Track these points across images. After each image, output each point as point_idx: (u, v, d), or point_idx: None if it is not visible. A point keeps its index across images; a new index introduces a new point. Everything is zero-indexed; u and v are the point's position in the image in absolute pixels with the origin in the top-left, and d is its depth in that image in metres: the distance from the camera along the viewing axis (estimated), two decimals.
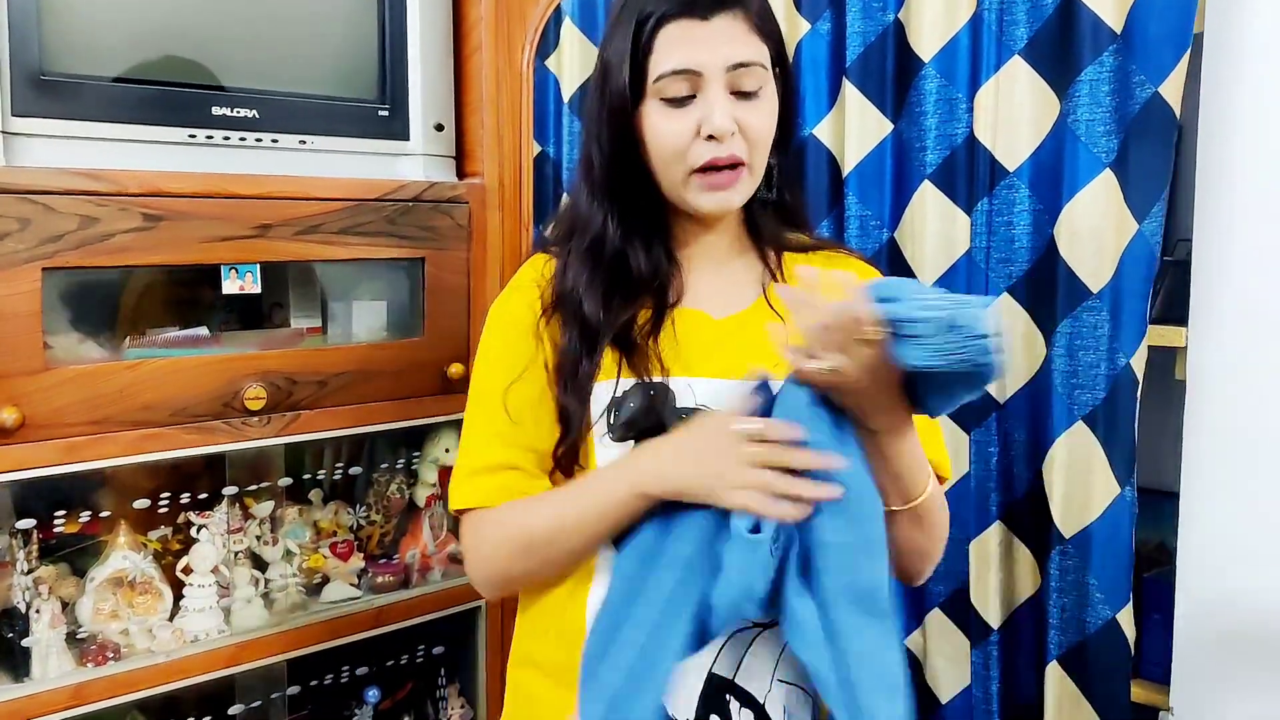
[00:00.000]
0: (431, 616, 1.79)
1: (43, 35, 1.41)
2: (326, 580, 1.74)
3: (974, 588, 1.78)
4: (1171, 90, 1.57)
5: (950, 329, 0.95)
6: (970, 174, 1.77)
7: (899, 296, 0.98)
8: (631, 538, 1.11)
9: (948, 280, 1.82)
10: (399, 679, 1.86)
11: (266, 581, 1.67)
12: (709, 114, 1.14)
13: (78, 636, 1.49)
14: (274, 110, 1.60)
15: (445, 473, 1.84)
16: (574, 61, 2.33)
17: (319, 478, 1.75)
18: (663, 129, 1.16)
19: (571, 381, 1.18)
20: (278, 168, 1.60)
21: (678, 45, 1.15)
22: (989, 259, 1.74)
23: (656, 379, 1.16)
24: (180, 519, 1.61)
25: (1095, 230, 1.63)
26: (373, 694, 1.81)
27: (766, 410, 1.08)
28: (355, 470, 1.78)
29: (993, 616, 1.77)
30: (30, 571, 1.46)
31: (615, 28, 1.19)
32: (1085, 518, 1.66)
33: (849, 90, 1.88)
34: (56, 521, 1.49)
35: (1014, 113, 1.70)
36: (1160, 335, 1.66)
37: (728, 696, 1.15)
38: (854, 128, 1.88)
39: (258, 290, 1.59)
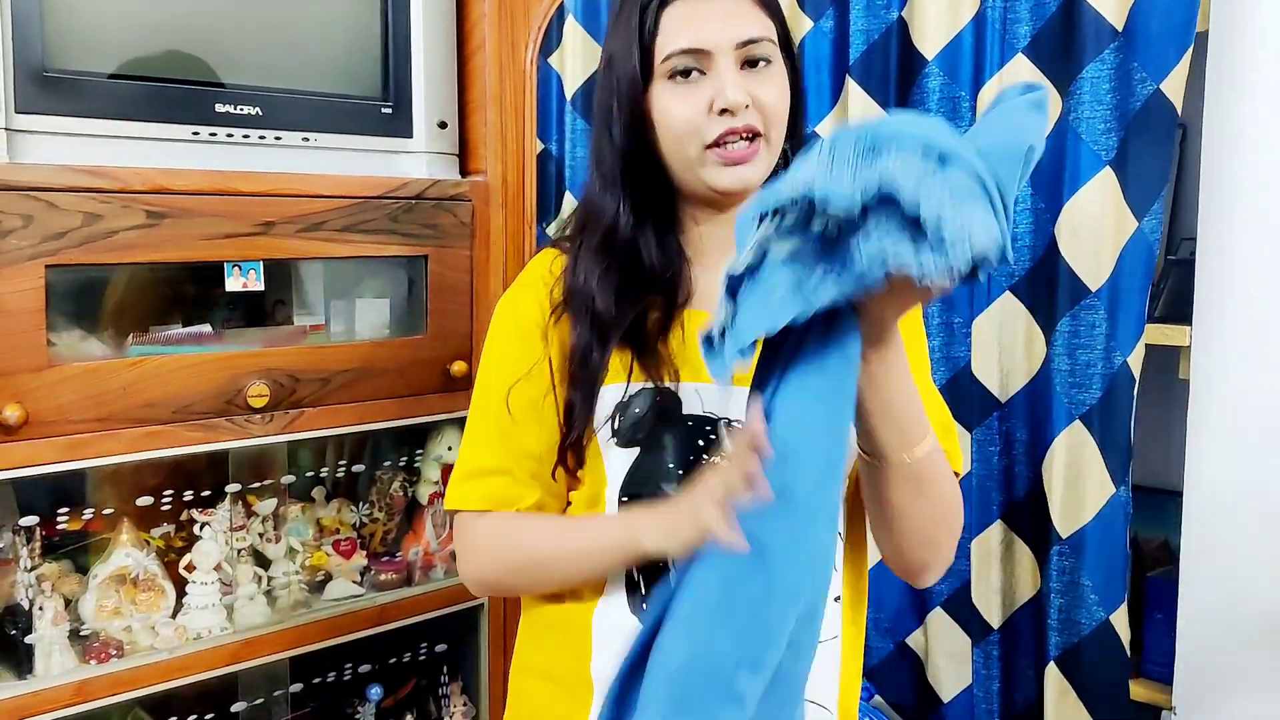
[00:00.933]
0: (434, 614, 1.79)
1: (46, 32, 1.41)
2: (329, 578, 1.74)
3: (975, 587, 1.78)
4: (1173, 87, 1.57)
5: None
6: None
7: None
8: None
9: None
10: (401, 677, 1.86)
11: (269, 579, 1.67)
12: (721, 88, 1.10)
13: (80, 634, 1.49)
14: (277, 107, 1.60)
15: (448, 470, 1.83)
16: (577, 59, 2.33)
17: (322, 475, 1.75)
18: (674, 108, 1.13)
19: (581, 376, 1.15)
20: (281, 165, 1.60)
21: (684, 24, 1.12)
22: None
23: (666, 384, 1.13)
24: (183, 516, 1.61)
25: (1095, 228, 1.63)
26: (375, 692, 1.81)
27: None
28: (358, 468, 1.78)
29: (993, 616, 1.77)
30: (33, 569, 1.46)
31: (619, 15, 1.17)
32: (1081, 518, 1.66)
33: (852, 88, 1.88)
34: (59, 519, 1.49)
35: None
36: (1164, 334, 1.66)
37: None
38: None
39: (261, 287, 1.58)
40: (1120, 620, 1.66)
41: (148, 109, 1.49)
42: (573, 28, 2.31)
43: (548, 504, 1.19)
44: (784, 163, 1.18)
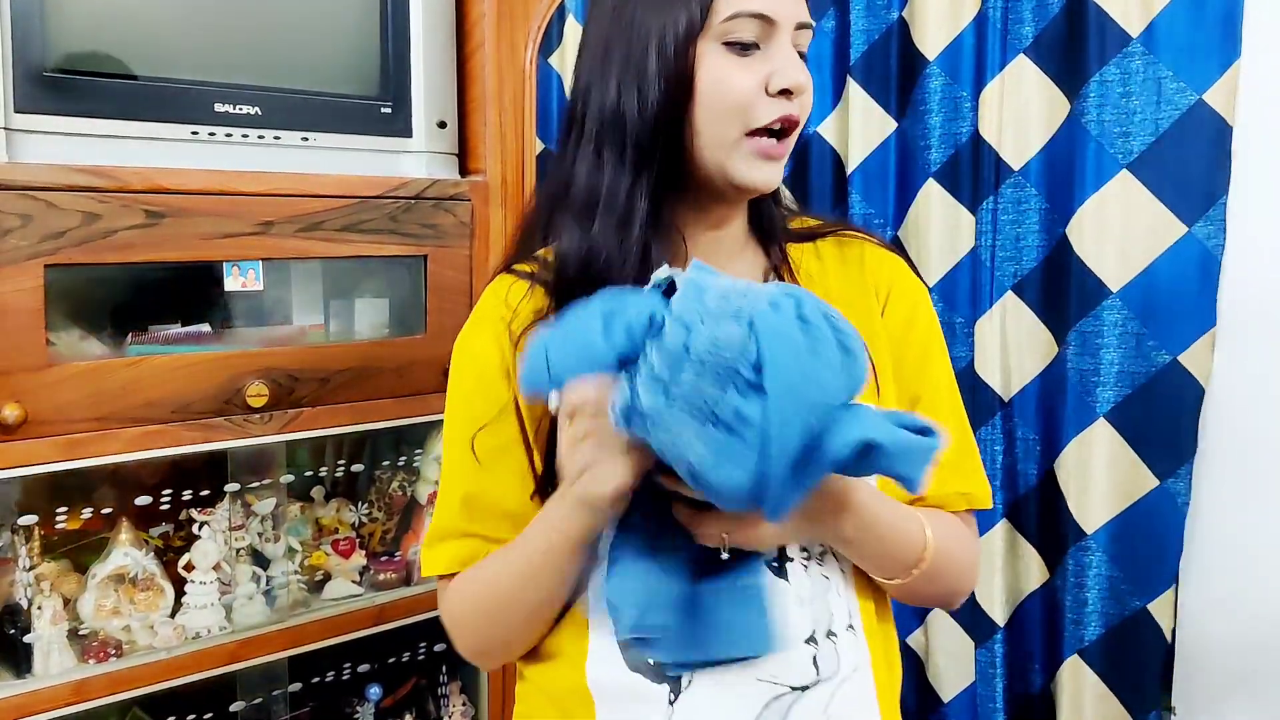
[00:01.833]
0: (433, 614, 1.78)
1: (46, 32, 1.41)
2: (328, 577, 1.74)
3: (979, 586, 1.78)
4: (1220, 98, 1.56)
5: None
6: (975, 172, 1.76)
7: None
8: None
9: (953, 278, 1.81)
10: (401, 676, 1.86)
11: (268, 578, 1.67)
12: (783, 66, 0.98)
13: (79, 633, 1.49)
14: (276, 107, 1.60)
15: None
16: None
17: (321, 475, 1.75)
18: (728, 78, 0.98)
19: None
20: (280, 165, 1.60)
21: None
22: (994, 257, 1.74)
23: None
24: (182, 516, 1.61)
25: (1119, 230, 1.62)
26: (374, 691, 1.81)
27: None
28: (357, 467, 1.78)
29: (998, 614, 1.76)
30: (32, 568, 1.46)
31: None
32: (1110, 512, 1.65)
33: (853, 88, 1.88)
34: (58, 518, 1.49)
35: (1020, 111, 1.70)
36: None
37: None
38: (858, 126, 1.88)
39: (260, 287, 1.58)
40: (1158, 610, 1.64)
41: (147, 108, 1.49)
42: (573, 27, 2.31)
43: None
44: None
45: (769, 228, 1.12)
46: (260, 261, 1.57)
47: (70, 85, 1.43)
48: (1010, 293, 1.74)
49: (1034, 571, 1.77)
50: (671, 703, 0.98)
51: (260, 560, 1.68)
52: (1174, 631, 1.65)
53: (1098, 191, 1.64)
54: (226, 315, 1.70)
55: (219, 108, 1.55)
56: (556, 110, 2.39)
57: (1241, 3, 1.53)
